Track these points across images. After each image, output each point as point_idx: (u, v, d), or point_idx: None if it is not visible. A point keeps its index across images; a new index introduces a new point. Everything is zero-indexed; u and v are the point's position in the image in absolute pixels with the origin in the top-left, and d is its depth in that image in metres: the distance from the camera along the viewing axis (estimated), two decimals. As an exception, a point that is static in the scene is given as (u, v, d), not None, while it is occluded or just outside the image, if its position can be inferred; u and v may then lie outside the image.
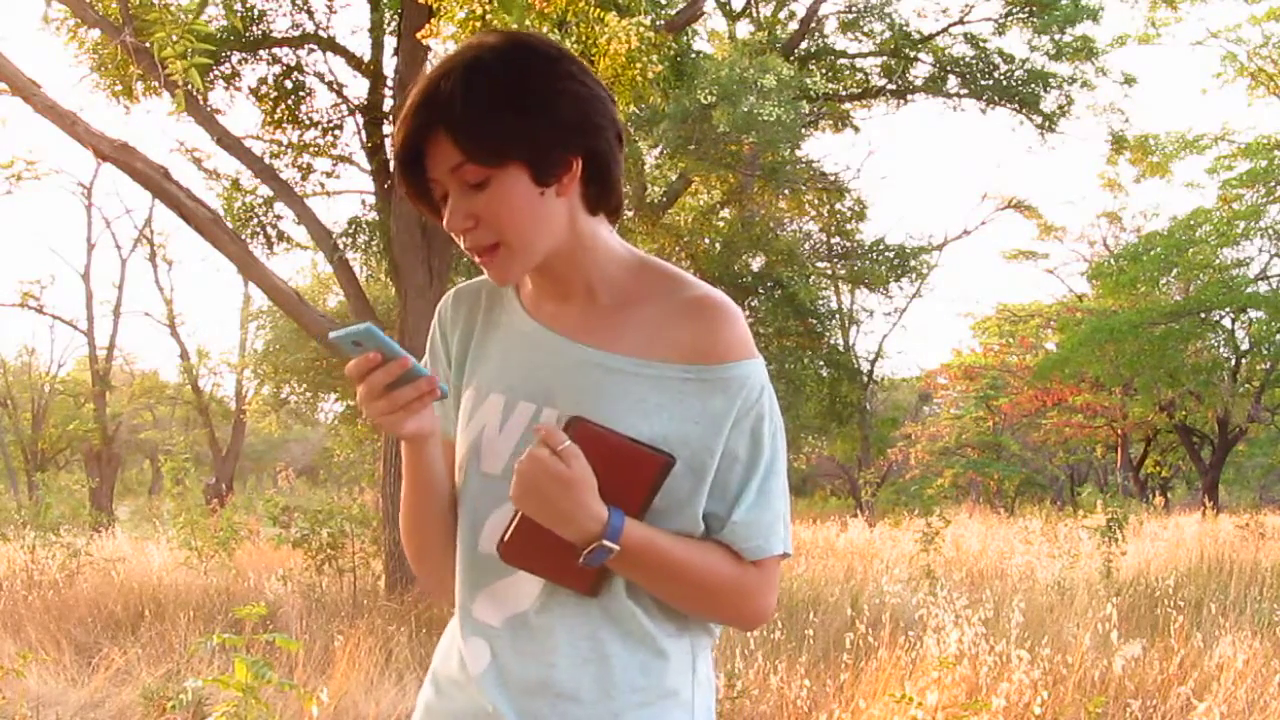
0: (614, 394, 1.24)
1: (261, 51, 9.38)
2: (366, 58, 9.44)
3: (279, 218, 10.18)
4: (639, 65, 6.36)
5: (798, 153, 16.81)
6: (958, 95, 18.06)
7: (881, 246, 19.47)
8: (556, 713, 1.24)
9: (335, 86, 9.63)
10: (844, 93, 18.60)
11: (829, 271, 20.46)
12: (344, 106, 9.63)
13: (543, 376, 1.28)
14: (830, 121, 18.67)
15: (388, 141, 9.02)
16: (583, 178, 1.25)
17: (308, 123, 9.58)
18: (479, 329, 1.36)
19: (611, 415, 1.22)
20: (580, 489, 1.17)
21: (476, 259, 1.26)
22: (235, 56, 9.22)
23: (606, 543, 1.18)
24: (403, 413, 1.21)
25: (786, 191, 17.99)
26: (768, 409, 1.27)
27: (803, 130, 15.74)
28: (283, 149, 9.58)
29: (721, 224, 18.44)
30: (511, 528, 1.22)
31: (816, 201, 19.47)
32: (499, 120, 1.19)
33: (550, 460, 1.17)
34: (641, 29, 6.35)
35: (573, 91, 1.22)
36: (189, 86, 5.53)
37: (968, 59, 17.92)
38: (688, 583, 1.25)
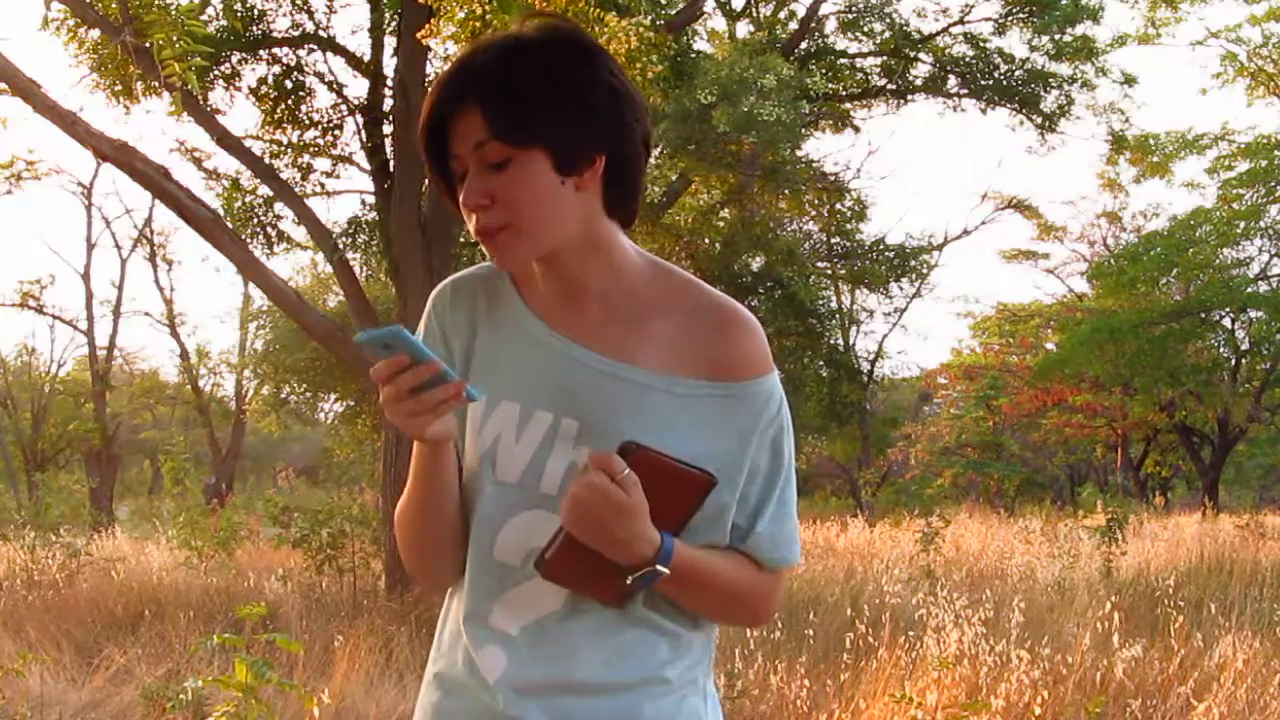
0: (641, 409, 1.23)
1: (261, 51, 9.38)
2: (366, 58, 9.44)
3: (279, 218, 10.18)
4: (639, 65, 6.36)
5: (798, 153, 16.79)
6: (958, 95, 18.03)
7: (881, 246, 19.46)
8: (580, 706, 1.24)
9: (335, 86, 9.63)
10: (844, 93, 18.57)
11: (829, 271, 20.45)
12: (344, 106, 9.63)
13: (562, 386, 1.26)
14: (830, 121, 18.64)
15: (388, 141, 9.02)
16: (605, 177, 1.23)
17: (308, 123, 9.58)
18: (481, 329, 1.33)
19: (638, 431, 1.21)
20: (637, 517, 1.17)
21: (482, 241, 1.24)
22: (235, 56, 9.22)
23: (659, 567, 1.19)
24: (429, 415, 1.19)
25: (786, 191, 17.96)
26: (785, 422, 1.29)
27: (803, 130, 15.70)
28: (283, 149, 9.58)
29: (721, 224, 18.42)
30: (555, 546, 1.22)
31: (816, 201, 19.46)
32: (530, 100, 1.18)
33: (611, 489, 1.16)
34: (641, 29, 6.35)
35: (609, 86, 1.21)
36: (186, 88, 5.54)
37: (968, 59, 17.88)
38: (719, 595, 1.27)
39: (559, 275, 1.28)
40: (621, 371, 1.25)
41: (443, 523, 1.31)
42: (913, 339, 75.86)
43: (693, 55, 12.27)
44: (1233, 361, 21.71)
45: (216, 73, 8.99)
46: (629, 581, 1.20)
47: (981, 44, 17.79)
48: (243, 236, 9.35)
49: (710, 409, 1.24)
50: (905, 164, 55.04)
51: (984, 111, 18.14)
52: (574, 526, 1.18)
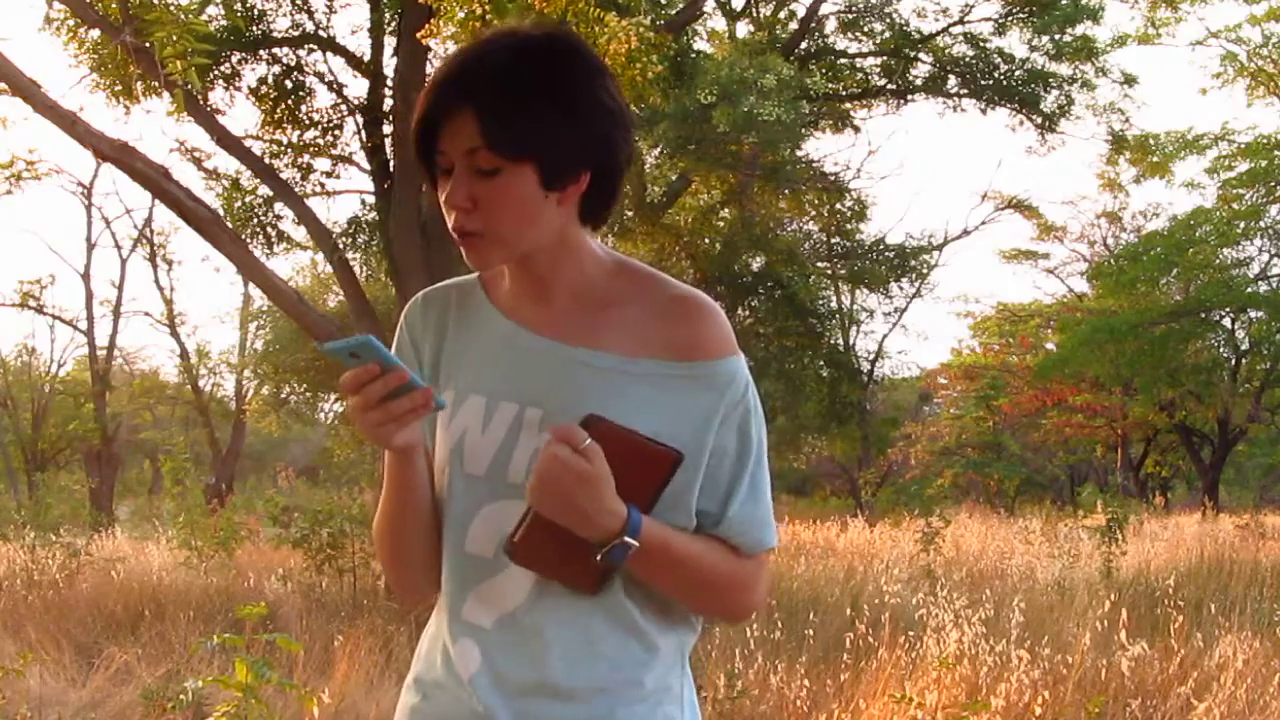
0: (602, 392, 1.24)
1: (261, 51, 9.38)
2: (366, 58, 9.45)
3: (279, 218, 10.18)
4: (639, 65, 6.36)
5: (798, 153, 16.80)
6: (958, 95, 18.04)
7: (881, 246, 19.48)
8: (552, 711, 1.24)
9: (335, 86, 9.64)
10: (844, 93, 18.58)
11: (829, 271, 20.46)
12: (344, 106, 9.64)
13: (525, 377, 1.28)
14: (830, 121, 18.65)
15: (388, 141, 9.02)
16: (585, 190, 1.25)
17: (308, 123, 9.59)
18: (451, 331, 1.35)
19: (601, 413, 1.22)
20: (602, 487, 1.17)
21: (459, 240, 1.25)
22: (235, 56, 9.23)
23: (627, 539, 1.19)
24: (394, 425, 1.20)
25: (786, 191, 17.99)
26: (753, 405, 1.29)
27: (803, 130, 15.72)
28: (283, 149, 9.59)
29: (721, 224, 18.44)
30: (524, 527, 1.22)
31: (816, 201, 19.47)
32: (529, 116, 1.18)
33: (572, 458, 1.16)
34: (641, 29, 6.35)
35: (605, 106, 1.22)
36: (188, 86, 5.53)
37: (968, 59, 17.90)
38: (695, 578, 1.26)
39: (528, 275, 1.30)
40: (582, 356, 1.26)
41: (418, 531, 1.32)
42: (913, 339, 75.87)
43: (693, 55, 12.29)
44: (1233, 361, 21.71)
45: (216, 73, 8.99)
46: (599, 558, 1.20)
47: (981, 44, 17.80)
48: (243, 236, 9.35)
49: (671, 389, 1.24)
50: (905, 164, 55.09)
51: (984, 111, 18.15)
52: (539, 501, 1.18)
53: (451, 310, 1.36)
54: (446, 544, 1.31)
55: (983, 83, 17.68)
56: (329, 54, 9.60)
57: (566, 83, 1.20)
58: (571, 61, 1.22)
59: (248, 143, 8.92)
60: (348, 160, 10.02)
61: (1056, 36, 17.20)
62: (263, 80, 9.45)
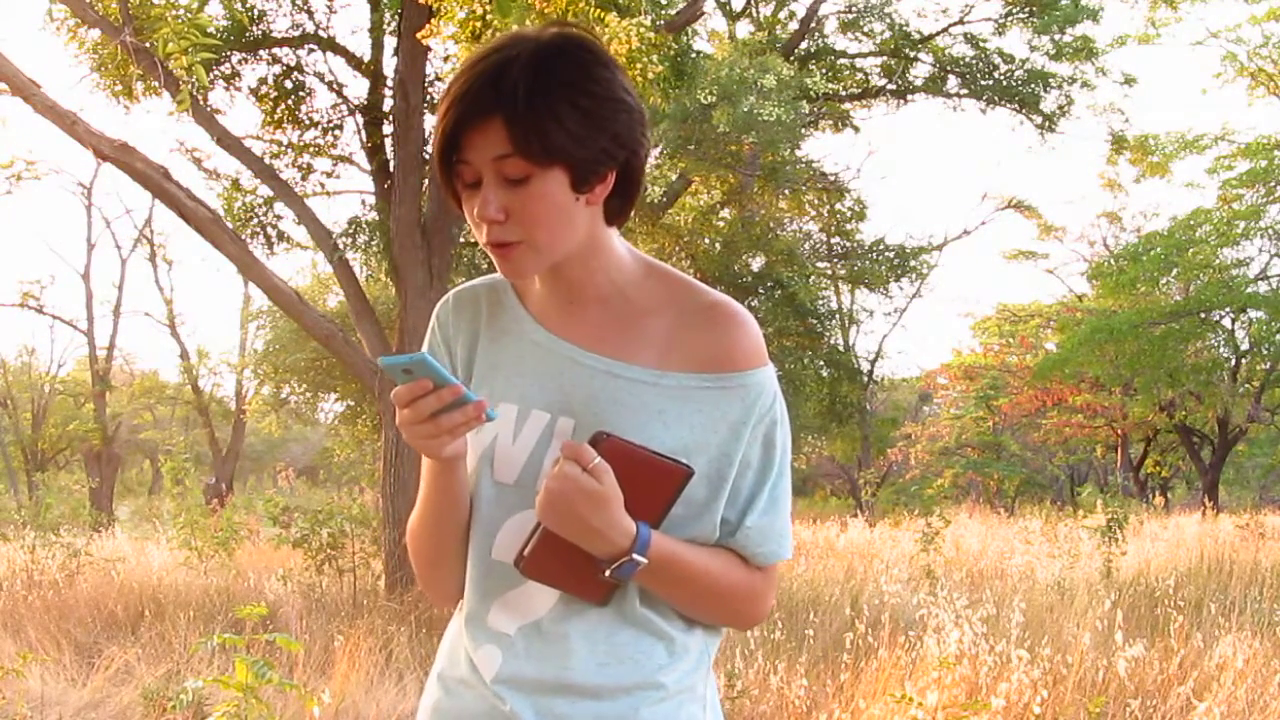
0: (633, 405, 1.25)
1: (261, 51, 9.37)
2: (366, 58, 9.44)
3: (279, 218, 10.16)
4: (639, 65, 6.36)
5: (798, 153, 16.79)
6: (958, 95, 18.04)
7: (881, 246, 19.44)
8: (576, 710, 1.25)
9: (335, 86, 9.62)
10: (844, 93, 18.58)
11: (829, 271, 20.43)
12: (344, 106, 9.62)
13: (557, 386, 1.28)
14: (830, 121, 18.64)
15: (388, 141, 9.02)
16: (611, 189, 1.25)
17: (308, 123, 9.57)
18: (484, 336, 1.35)
19: (631, 426, 1.23)
20: (611, 505, 1.18)
21: (491, 252, 1.24)
22: (235, 56, 9.22)
23: (636, 556, 1.19)
24: (447, 436, 1.20)
25: (786, 191, 17.96)
26: (780, 415, 1.29)
27: (803, 130, 15.71)
28: (283, 149, 9.58)
29: (721, 224, 18.41)
30: (533, 542, 1.23)
31: (816, 201, 19.46)
32: (557, 119, 1.17)
33: (582, 478, 1.16)
34: (641, 29, 6.35)
35: (627, 103, 1.22)
36: (193, 83, 5.52)
37: (968, 59, 17.90)
38: (704, 591, 1.27)
39: (559, 280, 1.30)
40: (616, 369, 1.26)
41: (455, 535, 1.32)
42: (913, 339, 75.77)
43: (693, 55, 12.25)
44: (1233, 361, 21.70)
45: (216, 73, 8.99)
46: (607, 574, 1.20)
47: (981, 44, 17.80)
48: (243, 236, 9.32)
49: (702, 401, 1.25)
50: (905, 164, 55.05)
51: (984, 111, 18.14)
52: (548, 518, 1.19)
53: (483, 312, 1.36)
54: (473, 549, 1.31)
55: (983, 83, 17.68)
56: (329, 54, 9.59)
57: (589, 82, 1.20)
58: (591, 60, 1.21)
59: (248, 143, 8.91)
60: (348, 160, 10.01)
61: (1056, 36, 17.19)
62: (263, 80, 9.44)
